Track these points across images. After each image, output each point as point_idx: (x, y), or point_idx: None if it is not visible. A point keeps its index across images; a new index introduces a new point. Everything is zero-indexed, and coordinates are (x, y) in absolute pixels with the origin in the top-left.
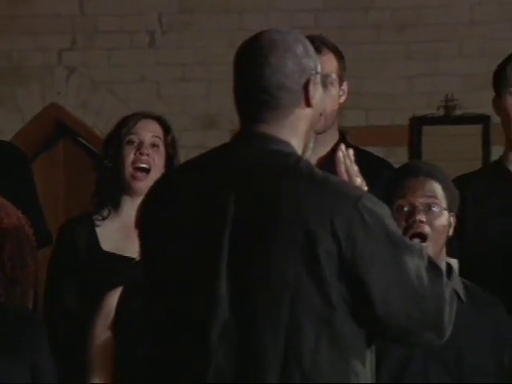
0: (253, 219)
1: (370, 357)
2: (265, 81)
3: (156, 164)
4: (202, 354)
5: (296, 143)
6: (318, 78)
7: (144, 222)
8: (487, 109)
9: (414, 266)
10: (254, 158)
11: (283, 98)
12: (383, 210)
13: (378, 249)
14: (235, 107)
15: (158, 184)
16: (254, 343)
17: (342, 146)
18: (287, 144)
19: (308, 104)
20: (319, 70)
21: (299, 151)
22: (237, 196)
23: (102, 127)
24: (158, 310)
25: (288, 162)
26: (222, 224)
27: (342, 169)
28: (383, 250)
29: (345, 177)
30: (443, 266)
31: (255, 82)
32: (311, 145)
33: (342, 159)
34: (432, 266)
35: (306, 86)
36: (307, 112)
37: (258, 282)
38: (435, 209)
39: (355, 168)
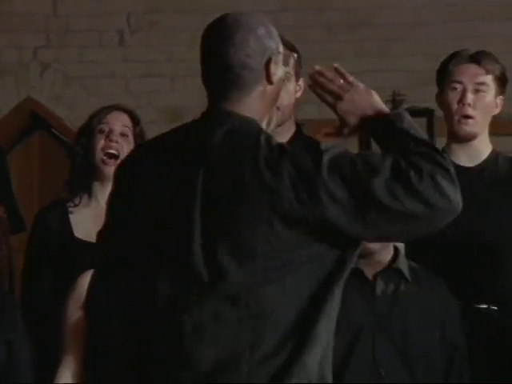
0: (221, 194)
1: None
2: (229, 60)
3: (125, 151)
4: (175, 332)
5: (259, 119)
6: (280, 57)
7: (114, 198)
8: (431, 103)
9: (383, 185)
10: (221, 134)
11: (246, 76)
12: (339, 157)
13: (343, 197)
14: (203, 83)
15: (128, 159)
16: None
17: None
18: (251, 120)
19: (270, 81)
20: (281, 50)
21: (263, 126)
22: (205, 171)
23: (74, 119)
24: (129, 285)
25: (250, 136)
26: (193, 198)
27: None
28: (347, 197)
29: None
30: (391, 250)
31: (220, 61)
32: (274, 119)
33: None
34: (397, 170)
35: (267, 65)
36: (269, 89)
37: (230, 250)
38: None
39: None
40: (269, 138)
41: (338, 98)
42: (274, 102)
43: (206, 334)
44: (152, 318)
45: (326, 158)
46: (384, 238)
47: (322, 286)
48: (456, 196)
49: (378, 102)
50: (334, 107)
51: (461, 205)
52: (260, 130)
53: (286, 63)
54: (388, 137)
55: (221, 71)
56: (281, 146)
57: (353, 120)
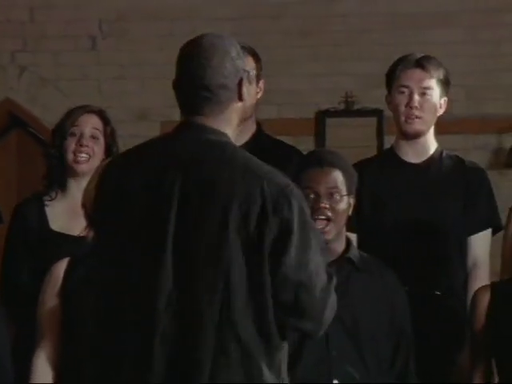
0: (195, 201)
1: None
2: (206, 81)
3: (95, 153)
4: (150, 321)
5: (230, 133)
6: (247, 75)
7: (98, 201)
8: (380, 104)
9: (317, 260)
10: (196, 146)
11: (222, 95)
12: (304, 201)
13: (297, 233)
14: (176, 100)
15: (110, 166)
16: (193, 310)
17: None
18: (224, 134)
19: (240, 99)
20: (249, 69)
21: (233, 139)
22: (181, 180)
23: (49, 119)
24: (108, 278)
25: (225, 150)
26: (169, 205)
27: None
28: (300, 235)
29: None
30: (343, 241)
31: (199, 82)
32: (243, 131)
33: None
34: (327, 271)
35: (239, 84)
36: (239, 105)
37: (198, 256)
38: (336, 196)
39: None
40: (245, 154)
41: None
42: (243, 117)
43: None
44: (131, 310)
45: (296, 200)
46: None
47: None
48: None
49: None
50: None
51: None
52: (234, 146)
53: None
54: None
55: (198, 90)
56: (259, 165)
57: None
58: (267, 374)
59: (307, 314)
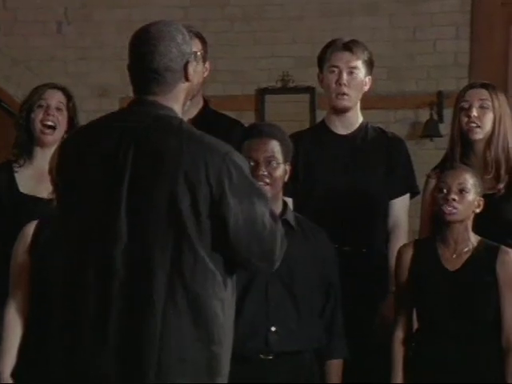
0: (146, 169)
1: (231, 283)
2: (155, 64)
3: (60, 122)
4: (109, 274)
5: (178, 109)
6: (194, 57)
7: (60, 170)
8: (313, 82)
9: (261, 211)
10: (147, 120)
11: (169, 76)
12: (244, 164)
13: (238, 193)
14: (130, 81)
15: (71, 136)
16: (147, 265)
17: None
18: (171, 110)
19: (187, 79)
20: (194, 51)
21: (180, 114)
22: (133, 150)
23: (21, 95)
24: (69, 241)
25: (172, 123)
26: (123, 170)
27: None
28: (242, 195)
29: None
30: (280, 204)
31: (148, 65)
32: (186, 107)
33: None
34: (272, 214)
35: (185, 67)
36: (186, 85)
37: (150, 217)
38: (273, 163)
39: None
40: (190, 126)
41: None
42: (190, 95)
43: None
44: (91, 267)
45: (234, 161)
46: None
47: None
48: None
49: None
50: None
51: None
52: (180, 119)
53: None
54: None
55: (148, 73)
56: (201, 135)
57: None
58: (213, 321)
59: (259, 259)
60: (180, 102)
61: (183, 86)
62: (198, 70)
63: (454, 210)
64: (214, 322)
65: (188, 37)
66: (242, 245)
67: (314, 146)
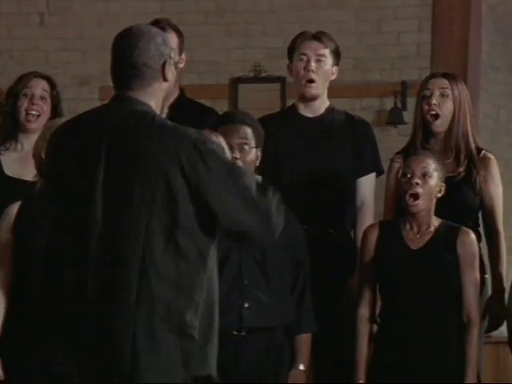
0: (121, 159)
1: (207, 268)
2: (133, 59)
3: (44, 110)
4: (84, 259)
5: (154, 106)
6: (172, 61)
7: (47, 159)
8: (283, 72)
9: (246, 186)
10: (124, 114)
11: (146, 72)
12: (217, 146)
13: (218, 177)
14: (111, 76)
15: (57, 131)
16: (120, 248)
17: None
18: (147, 105)
19: (164, 79)
20: (173, 55)
21: (157, 111)
22: (109, 142)
23: (5, 83)
24: (51, 217)
25: (147, 117)
26: (98, 162)
27: None
28: (221, 177)
29: None
30: None
31: (128, 60)
32: (165, 107)
33: None
34: (260, 184)
35: (163, 66)
36: (163, 85)
37: (124, 204)
38: (246, 147)
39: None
40: (162, 119)
41: None
42: (168, 95)
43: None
44: (69, 252)
45: (207, 146)
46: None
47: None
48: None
49: None
50: None
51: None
52: (154, 113)
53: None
54: None
55: (127, 68)
56: (173, 127)
57: None
58: (185, 305)
59: (258, 230)
60: (157, 100)
61: (161, 86)
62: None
63: (416, 202)
64: (189, 306)
65: (169, 41)
66: (237, 224)
67: (282, 127)
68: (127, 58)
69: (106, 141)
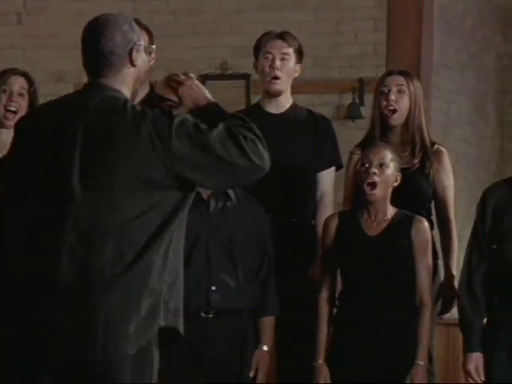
0: (95, 143)
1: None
2: (100, 47)
3: (22, 107)
4: (57, 243)
5: (126, 91)
6: (141, 47)
7: (14, 145)
8: (248, 70)
9: (218, 139)
10: (96, 100)
11: (114, 59)
12: (185, 120)
13: (187, 147)
14: (83, 66)
15: (27, 116)
16: (98, 230)
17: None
18: (119, 92)
19: (132, 65)
20: (141, 42)
21: (128, 97)
22: (83, 128)
23: None
24: (24, 208)
25: (118, 103)
26: (74, 145)
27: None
28: (194, 148)
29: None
30: None
31: (95, 49)
32: (139, 92)
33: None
34: (236, 122)
35: (130, 52)
36: (132, 70)
37: (102, 185)
38: None
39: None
40: (133, 105)
41: (181, 84)
42: (138, 80)
43: (77, 255)
44: (43, 234)
45: (176, 121)
46: (216, 187)
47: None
48: (266, 158)
49: (207, 94)
50: (176, 91)
51: (269, 164)
52: (126, 99)
53: (146, 51)
54: (217, 116)
55: (96, 56)
56: (143, 110)
57: (188, 101)
58: (156, 275)
59: (250, 171)
60: (128, 86)
61: (130, 71)
62: (144, 59)
63: (374, 190)
64: (160, 280)
65: (136, 28)
66: (229, 181)
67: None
68: (95, 47)
69: (81, 126)
